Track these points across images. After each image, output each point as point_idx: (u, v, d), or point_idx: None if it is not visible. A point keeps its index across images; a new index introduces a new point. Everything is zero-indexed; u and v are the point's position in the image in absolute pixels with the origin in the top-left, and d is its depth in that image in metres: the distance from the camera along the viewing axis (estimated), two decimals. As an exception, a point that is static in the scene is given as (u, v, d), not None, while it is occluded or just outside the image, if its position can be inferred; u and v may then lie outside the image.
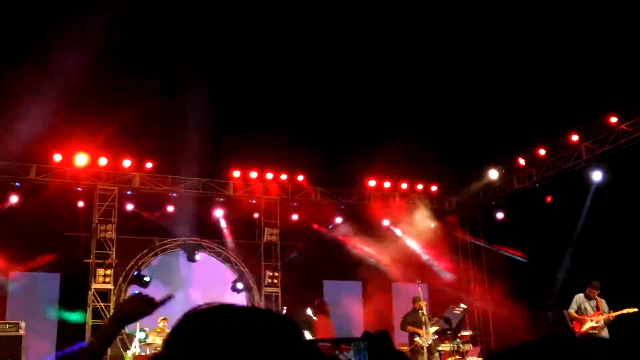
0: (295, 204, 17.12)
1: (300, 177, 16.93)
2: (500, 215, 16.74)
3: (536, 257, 15.30)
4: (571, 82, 13.11)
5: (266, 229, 16.75)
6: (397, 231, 17.52)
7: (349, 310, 17.22)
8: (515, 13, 13.60)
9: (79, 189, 15.26)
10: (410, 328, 11.72)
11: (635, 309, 10.53)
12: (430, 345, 11.61)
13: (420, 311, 11.89)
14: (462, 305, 11.96)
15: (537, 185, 15.58)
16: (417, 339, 11.55)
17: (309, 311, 14.55)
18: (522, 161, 15.85)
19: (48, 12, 13.18)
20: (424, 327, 11.66)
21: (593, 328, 10.62)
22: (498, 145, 15.70)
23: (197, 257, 16.26)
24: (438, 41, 14.40)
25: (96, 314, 14.59)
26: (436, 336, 11.91)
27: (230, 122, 15.35)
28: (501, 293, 16.05)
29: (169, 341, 1.16)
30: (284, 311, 15.21)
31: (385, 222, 17.45)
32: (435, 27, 14.33)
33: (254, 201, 16.78)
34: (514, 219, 16.33)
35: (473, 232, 18.22)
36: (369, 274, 17.11)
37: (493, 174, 16.46)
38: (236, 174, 16.40)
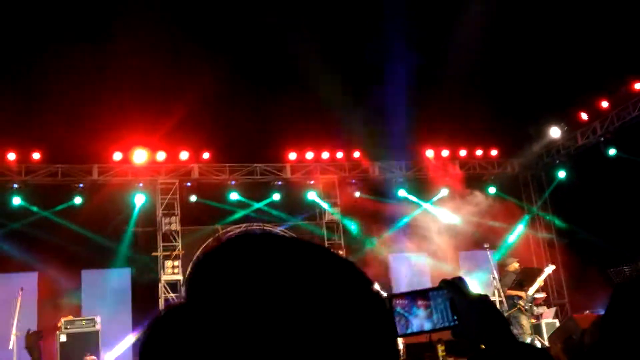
0: (353, 180, 16.99)
1: (357, 154, 16.79)
2: (565, 174, 16.24)
3: (605, 215, 14.76)
4: (626, 31, 12.54)
5: (327, 208, 16.70)
6: (457, 199, 17.21)
7: (415, 284, 17.09)
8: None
9: (140, 184, 15.53)
10: (510, 291, 11.41)
11: None
12: (531, 306, 11.34)
13: (515, 272, 11.62)
14: (551, 266, 11.59)
15: (602, 139, 15.01)
16: (519, 301, 11.25)
17: (376, 286, 14.51)
18: (584, 115, 15.29)
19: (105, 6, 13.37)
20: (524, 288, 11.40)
21: None
22: (557, 101, 15.17)
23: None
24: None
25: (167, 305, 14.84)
26: (536, 296, 11.61)
27: (278, 105, 15.27)
28: (571, 254, 15.63)
29: (189, 282, 0.88)
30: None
31: (445, 192, 17.14)
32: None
33: (312, 182, 16.74)
34: (580, 177, 15.82)
35: (538, 193, 17.75)
36: (434, 245, 16.91)
37: (555, 132, 15.96)
38: (292, 156, 16.37)
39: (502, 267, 12.12)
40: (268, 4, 13.83)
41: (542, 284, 11.50)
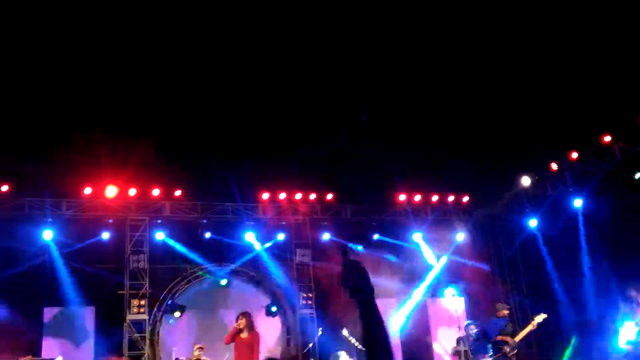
0: (325, 223, 16.94)
1: (330, 196, 16.79)
2: (533, 223, 16.36)
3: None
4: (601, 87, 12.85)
5: (298, 250, 16.61)
6: (431, 245, 17.28)
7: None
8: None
9: (110, 220, 15.33)
10: (499, 337, 11.40)
11: None
12: (516, 353, 11.30)
13: (505, 319, 11.60)
14: (543, 315, 11.54)
15: (571, 190, 15.21)
16: (504, 346, 11.22)
17: (345, 332, 14.38)
18: (554, 166, 15.49)
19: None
20: (511, 335, 11.37)
21: None
22: (530, 152, 15.39)
23: (229, 282, 16.24)
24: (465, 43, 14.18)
25: (132, 344, 14.56)
26: (521, 344, 11.60)
27: (253, 146, 15.32)
28: (542, 303, 15.67)
29: None
30: (320, 332, 15.02)
31: (418, 236, 17.18)
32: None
33: (284, 222, 16.67)
34: (548, 226, 15.98)
35: (508, 241, 17.84)
36: (405, 290, 16.92)
37: (525, 181, 16.13)
38: (265, 196, 16.32)
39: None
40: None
41: (533, 328, 11.47)
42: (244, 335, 10.23)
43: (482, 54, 14.26)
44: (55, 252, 14.46)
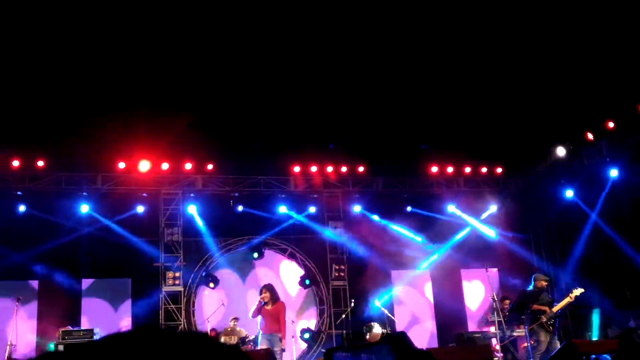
0: (357, 195, 16.95)
1: (361, 169, 16.76)
2: (569, 193, 16.14)
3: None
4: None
5: (329, 222, 16.67)
6: (464, 216, 17.17)
7: (418, 300, 17.04)
8: None
9: (144, 194, 15.56)
10: (536, 306, 11.37)
11: None
12: (553, 323, 11.27)
13: (543, 289, 11.57)
14: (580, 289, 11.45)
15: (607, 159, 14.93)
16: (541, 316, 11.20)
17: (378, 302, 14.47)
18: (590, 136, 15.21)
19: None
20: (548, 305, 11.34)
21: None
22: (564, 122, 15.11)
23: (261, 254, 16.40)
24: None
25: (168, 316, 14.85)
26: (558, 316, 11.57)
27: (284, 118, 15.32)
28: (577, 276, 15.52)
29: None
30: (352, 304, 15.13)
31: (452, 208, 17.11)
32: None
33: (315, 195, 16.72)
34: (584, 196, 15.74)
35: (543, 212, 17.63)
36: (437, 260, 16.90)
37: (560, 151, 15.88)
38: (296, 169, 16.36)
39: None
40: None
41: (571, 300, 11.41)
42: (269, 307, 10.50)
43: (516, 24, 13.99)
44: (91, 225, 14.74)
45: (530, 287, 11.70)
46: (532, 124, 15.25)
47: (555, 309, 11.26)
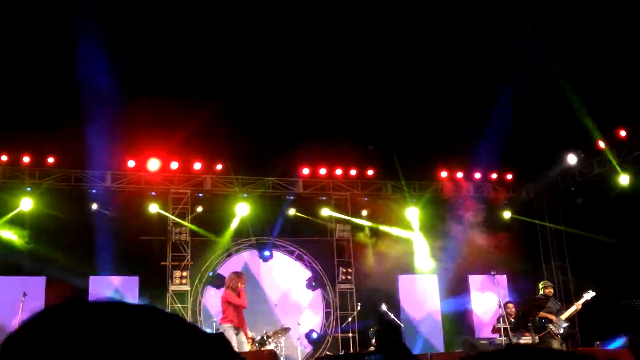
0: (365, 199, 16.91)
1: (370, 172, 16.73)
2: (580, 201, 16.05)
3: (624, 242, 14.55)
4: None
5: (338, 225, 16.63)
6: (472, 222, 17.07)
7: (425, 303, 16.96)
8: None
9: (152, 193, 15.58)
10: (542, 313, 11.29)
11: None
12: (563, 332, 11.19)
13: (550, 297, 11.49)
14: (591, 292, 11.35)
15: (618, 168, 14.82)
16: (549, 324, 11.12)
17: (384, 306, 14.41)
18: (601, 144, 15.11)
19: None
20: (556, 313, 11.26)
21: None
22: (576, 129, 15.01)
23: (268, 255, 16.37)
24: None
25: (175, 315, 14.82)
26: (568, 323, 11.48)
27: (293, 120, 15.28)
28: (586, 282, 15.38)
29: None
30: (358, 307, 15.09)
31: (459, 213, 17.02)
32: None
33: (324, 198, 16.70)
34: (595, 205, 15.62)
35: (553, 219, 17.54)
36: (443, 266, 16.80)
37: (571, 159, 15.79)
38: (305, 171, 16.35)
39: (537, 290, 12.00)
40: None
41: (579, 307, 11.29)
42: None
43: (525, 28, 13.91)
44: (100, 222, 14.76)
45: (539, 295, 11.61)
46: (544, 131, 15.16)
47: (563, 316, 11.16)
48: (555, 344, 11.00)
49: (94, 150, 14.69)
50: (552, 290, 11.55)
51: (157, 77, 14.15)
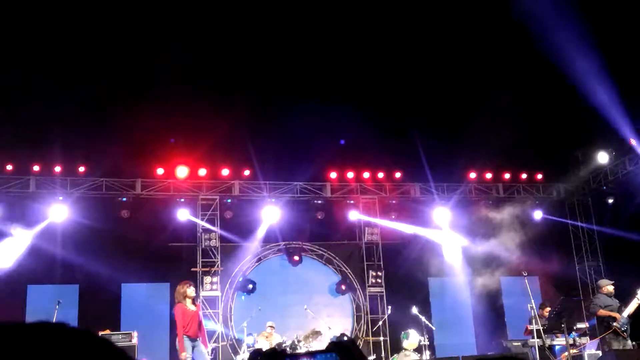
0: (394, 201, 16.84)
1: (398, 174, 16.66)
2: (612, 200, 15.80)
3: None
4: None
5: (366, 228, 16.59)
6: (502, 223, 16.88)
7: (456, 307, 16.81)
8: None
9: (181, 200, 15.70)
10: (603, 312, 11.13)
11: None
12: (626, 329, 11.03)
13: (610, 295, 11.33)
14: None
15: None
16: (614, 323, 10.97)
17: (415, 310, 14.29)
18: (633, 141, 14.86)
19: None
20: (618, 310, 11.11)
21: None
22: (606, 127, 14.78)
23: (297, 259, 16.37)
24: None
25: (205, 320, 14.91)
26: (630, 319, 11.31)
27: (320, 125, 15.30)
28: (621, 281, 15.12)
29: None
30: (389, 311, 15.01)
31: (489, 214, 16.84)
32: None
33: (351, 201, 16.67)
34: (627, 203, 15.37)
35: (585, 219, 17.28)
36: (473, 268, 16.64)
37: (602, 158, 15.55)
38: (332, 175, 16.34)
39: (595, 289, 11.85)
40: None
41: (631, 311, 11.11)
42: (194, 307, 10.18)
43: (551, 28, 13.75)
44: (130, 230, 14.91)
45: (597, 295, 11.46)
46: (573, 130, 14.98)
47: (625, 313, 10.96)
48: (616, 344, 10.80)
49: (123, 158, 14.87)
50: (611, 289, 11.32)
51: (182, 84, 14.28)
